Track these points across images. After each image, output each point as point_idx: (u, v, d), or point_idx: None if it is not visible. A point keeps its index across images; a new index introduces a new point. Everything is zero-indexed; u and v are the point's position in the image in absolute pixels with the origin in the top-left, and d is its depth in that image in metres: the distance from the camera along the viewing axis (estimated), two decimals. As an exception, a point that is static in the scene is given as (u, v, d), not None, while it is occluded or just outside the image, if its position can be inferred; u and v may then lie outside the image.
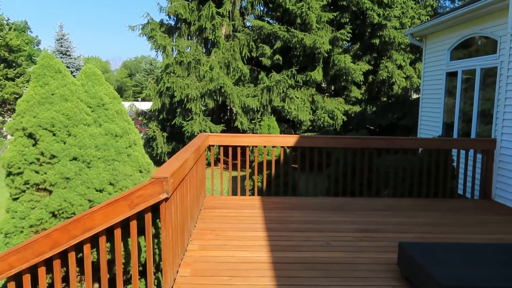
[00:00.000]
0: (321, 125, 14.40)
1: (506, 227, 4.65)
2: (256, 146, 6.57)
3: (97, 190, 3.61)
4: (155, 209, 2.97)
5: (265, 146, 6.04)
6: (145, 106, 19.71)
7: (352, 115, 15.00)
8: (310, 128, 14.88)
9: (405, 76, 14.87)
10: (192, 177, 4.16)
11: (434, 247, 3.26)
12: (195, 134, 14.06)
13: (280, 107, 14.26)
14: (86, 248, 2.92)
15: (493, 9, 6.96)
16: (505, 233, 4.44)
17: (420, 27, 9.97)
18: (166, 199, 2.83)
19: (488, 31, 7.38)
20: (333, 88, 15.91)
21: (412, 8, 15.10)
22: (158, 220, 3.59)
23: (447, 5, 18.83)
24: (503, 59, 6.31)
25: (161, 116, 15.39)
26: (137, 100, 44.65)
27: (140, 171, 3.86)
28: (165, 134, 15.45)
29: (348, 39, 14.36)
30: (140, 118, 16.16)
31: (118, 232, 2.91)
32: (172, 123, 14.98)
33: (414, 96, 15.92)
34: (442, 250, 3.16)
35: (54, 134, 3.59)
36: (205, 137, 5.53)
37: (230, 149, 5.99)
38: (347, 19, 14.94)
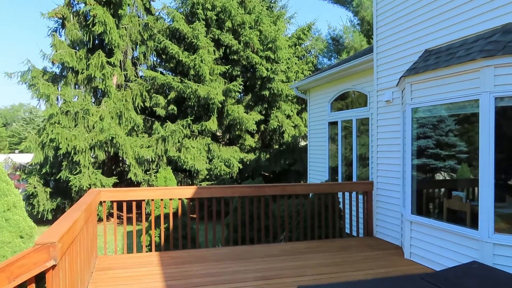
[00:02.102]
0: (218, 174, 14.57)
1: (386, 261, 5.17)
2: (152, 200, 6.37)
3: (-36, 263, 3.11)
4: (39, 278, 2.67)
5: (162, 199, 5.90)
6: (24, 158, 17.78)
7: (247, 162, 15.50)
8: (207, 177, 14.94)
9: (293, 125, 16.03)
10: (83, 238, 3.86)
11: None
12: (84, 188, 13.07)
13: (176, 157, 14.13)
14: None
15: (361, 69, 8.07)
16: (385, 266, 4.93)
17: (303, 81, 11.01)
18: (53, 267, 2.59)
19: (359, 87, 8.47)
20: (228, 137, 16.37)
21: (296, 63, 16.64)
22: (42, 290, 3.21)
23: (325, 62, 21.19)
24: (373, 111, 7.26)
25: (43, 170, 14.02)
26: (14, 152, 40.12)
27: (21, 237, 3.46)
28: (48, 189, 14.04)
29: (240, 90, 15.12)
30: (18, 173, 14.48)
31: (-8, 311, 2.54)
32: (57, 177, 13.73)
33: (302, 143, 17.17)
34: (335, 290, 3.38)
35: None
36: (96, 192, 5.21)
37: (124, 204, 5.71)
38: (239, 72, 15.80)
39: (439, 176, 5.42)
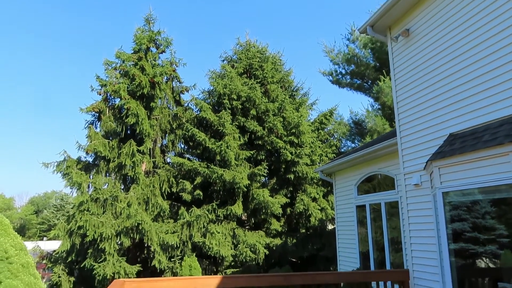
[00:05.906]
0: (243, 260, 14.11)
1: None
2: (177, 290, 6.15)
3: None
4: None
5: (186, 290, 5.69)
6: (51, 245, 17.90)
7: (274, 248, 15.03)
8: (233, 263, 14.47)
9: (319, 208, 15.72)
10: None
11: None
12: (107, 277, 12.83)
13: (201, 243, 13.88)
14: None
15: (385, 152, 8.08)
16: None
17: (327, 165, 11.04)
18: None
19: (385, 170, 8.40)
20: (253, 221, 16.14)
21: (319, 147, 16.86)
22: None
23: (349, 144, 21.34)
24: (401, 194, 7.10)
25: (69, 258, 13.97)
26: (42, 239, 40.56)
27: (43, 334, 3.35)
28: (72, 278, 13.85)
29: (265, 174, 15.22)
30: (44, 262, 14.45)
31: None
32: (82, 266, 13.61)
33: (330, 226, 16.66)
34: None
35: None
36: (120, 284, 5.10)
37: (148, 296, 5.52)
38: (263, 156, 16.07)
39: (481, 263, 5.06)
